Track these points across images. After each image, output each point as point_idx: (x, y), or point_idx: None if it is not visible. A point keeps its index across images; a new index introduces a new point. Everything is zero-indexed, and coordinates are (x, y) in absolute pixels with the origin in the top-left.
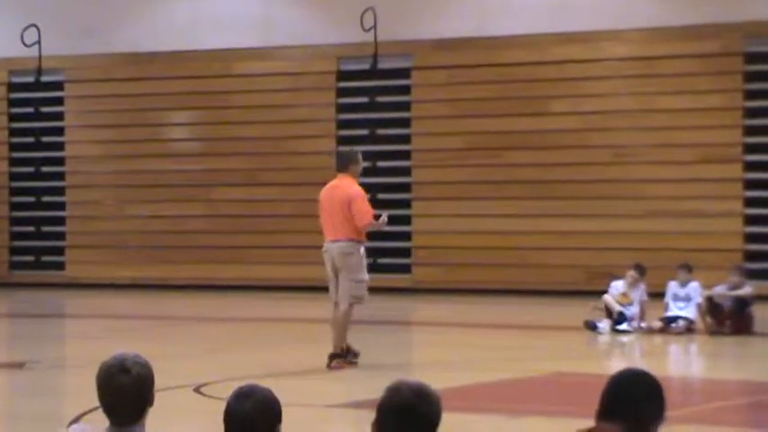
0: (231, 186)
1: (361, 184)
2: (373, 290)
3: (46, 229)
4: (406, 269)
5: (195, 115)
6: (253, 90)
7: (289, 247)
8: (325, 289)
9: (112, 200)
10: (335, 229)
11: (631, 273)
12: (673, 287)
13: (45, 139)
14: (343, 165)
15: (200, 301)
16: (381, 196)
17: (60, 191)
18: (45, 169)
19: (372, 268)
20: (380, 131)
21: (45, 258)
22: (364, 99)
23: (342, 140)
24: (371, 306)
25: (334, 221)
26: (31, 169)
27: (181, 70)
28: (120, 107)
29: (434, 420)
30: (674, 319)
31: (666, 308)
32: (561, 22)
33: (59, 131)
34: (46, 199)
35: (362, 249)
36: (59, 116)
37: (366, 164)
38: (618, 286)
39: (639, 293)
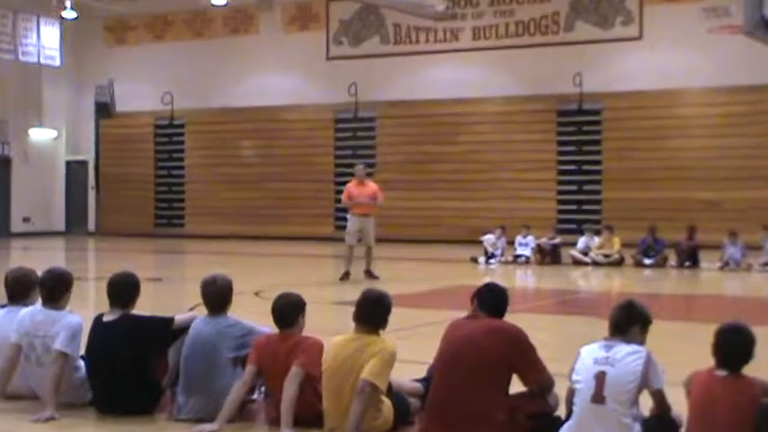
0: (276, 182)
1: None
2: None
3: (175, 204)
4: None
5: (256, 143)
6: (287, 129)
7: (307, 215)
8: (329, 239)
9: (211, 188)
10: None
11: (498, 231)
12: (518, 239)
13: (175, 155)
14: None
15: (259, 245)
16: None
17: (182, 184)
18: (174, 172)
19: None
20: (360, 152)
21: (174, 221)
22: (350, 134)
23: (337, 157)
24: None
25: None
26: (165, 172)
27: (250, 117)
28: (216, 138)
29: (389, 308)
30: (519, 256)
31: (515, 250)
32: (458, 91)
33: (182, 152)
34: (175, 188)
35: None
36: (182, 143)
37: (351, 170)
38: (490, 238)
39: (502, 243)
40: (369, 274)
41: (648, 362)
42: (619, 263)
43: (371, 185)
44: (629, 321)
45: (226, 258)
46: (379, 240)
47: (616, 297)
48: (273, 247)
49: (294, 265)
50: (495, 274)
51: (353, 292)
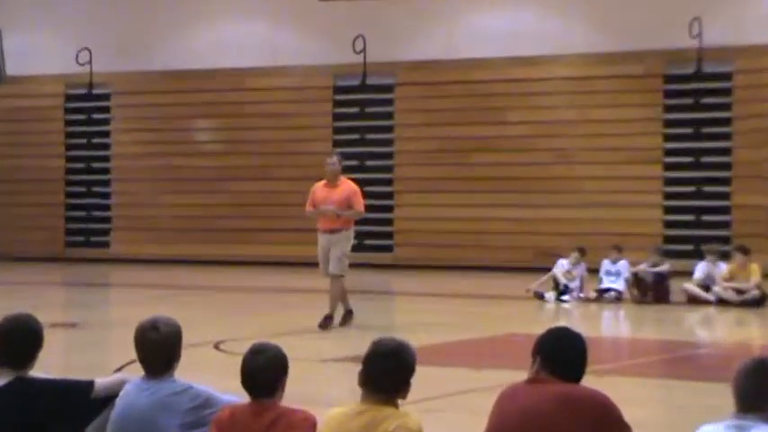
0: (245, 180)
1: (354, 180)
2: (361, 266)
3: (95, 213)
4: (389, 249)
5: (216, 122)
6: (263, 101)
7: (292, 230)
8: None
9: (149, 190)
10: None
11: (575, 254)
12: (606, 264)
13: (95, 140)
14: None
15: (219, 274)
16: (368, 189)
17: (107, 183)
18: (95, 165)
19: (361, 249)
20: (369, 136)
21: (93, 238)
22: (355, 109)
23: (336, 143)
24: (359, 279)
25: None
26: (82, 165)
27: (204, 85)
28: (155, 115)
29: (411, 367)
30: (607, 290)
31: (600, 281)
32: (515, 48)
33: (106, 135)
34: (95, 189)
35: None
36: (106, 122)
37: (356, 162)
38: (563, 264)
39: (580, 270)
40: (343, 318)
41: None
42: (758, 302)
43: (345, 187)
44: (765, 391)
45: (171, 294)
46: (396, 267)
47: (755, 354)
48: (241, 277)
49: (272, 304)
50: (569, 316)
51: (359, 344)
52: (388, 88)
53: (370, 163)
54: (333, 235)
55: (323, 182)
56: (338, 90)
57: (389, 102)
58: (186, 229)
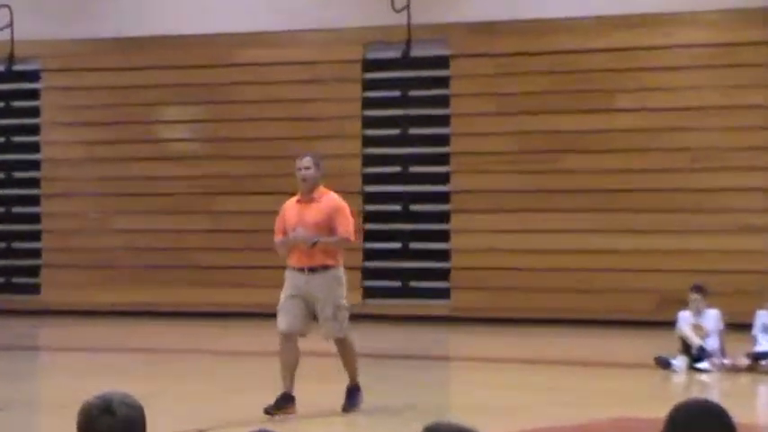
0: (236, 195)
1: (390, 194)
2: (407, 318)
3: (18, 245)
4: (443, 294)
5: (194, 112)
6: (262, 82)
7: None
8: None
9: (97, 211)
10: None
11: (694, 296)
12: (762, 317)
13: (17, 138)
14: None
15: (197, 330)
16: (414, 208)
17: (35, 200)
18: (17, 175)
19: (405, 292)
20: (414, 131)
21: (16, 280)
22: (395, 93)
23: (368, 142)
24: (404, 338)
25: None
26: (0, 175)
27: (177, 58)
28: (106, 101)
29: None
30: (765, 354)
31: (755, 341)
32: (625, 3)
33: (34, 130)
34: (18, 210)
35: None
36: (34, 112)
37: (395, 168)
38: (686, 316)
39: (713, 322)
40: (344, 405)
41: None
42: None
43: (326, 202)
44: None
45: (129, 360)
46: (455, 320)
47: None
48: (227, 335)
49: (271, 374)
50: (707, 392)
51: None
52: (440, 62)
53: (416, 170)
54: (313, 276)
55: (295, 197)
56: (370, 65)
57: (442, 81)
58: (148, 266)
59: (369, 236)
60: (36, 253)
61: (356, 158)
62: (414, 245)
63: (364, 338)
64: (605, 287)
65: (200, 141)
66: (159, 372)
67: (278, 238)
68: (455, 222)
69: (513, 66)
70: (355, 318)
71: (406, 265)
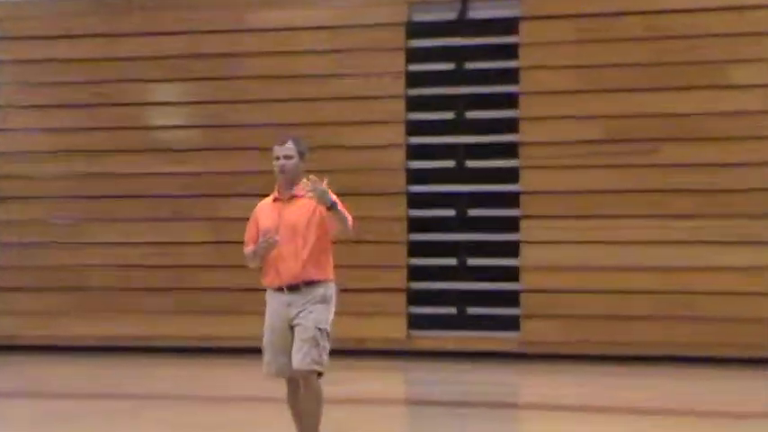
0: (244, 198)
1: (442, 196)
2: (464, 355)
3: None
4: (511, 324)
5: (191, 91)
6: (278, 52)
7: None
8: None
9: (64, 218)
10: None
11: None
12: None
13: None
14: None
15: (192, 370)
16: (473, 213)
17: None
18: None
19: (462, 322)
20: (472, 114)
21: None
22: (448, 65)
23: (414, 129)
24: (460, 380)
25: None
26: None
27: (168, 23)
28: (76, 78)
29: None
30: None
31: None
32: None
33: None
34: None
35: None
36: None
37: (449, 163)
38: None
39: None
40: None
41: None
42: None
43: (311, 201)
44: None
45: (98, 409)
46: (526, 358)
47: None
48: (229, 374)
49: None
50: None
51: None
52: (505, 26)
53: (475, 164)
54: (295, 296)
55: (271, 197)
56: (416, 30)
57: (509, 50)
58: (131, 288)
59: (415, 249)
60: None
61: (399, 150)
62: (473, 261)
63: (410, 381)
64: (717, 314)
65: (199, 129)
66: (135, 424)
67: (249, 249)
68: (526, 232)
69: (600, 30)
70: (399, 355)
71: (462, 287)
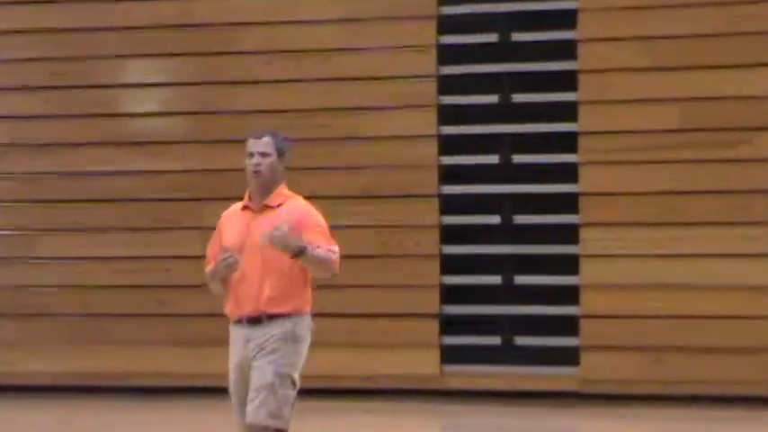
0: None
1: (483, 198)
2: (511, 395)
3: None
4: (569, 356)
5: (175, 68)
6: (277, 22)
7: (347, 315)
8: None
9: (18, 227)
10: None
11: None
12: None
13: None
14: None
15: (174, 414)
16: (521, 220)
17: None
18: None
19: (509, 355)
20: (520, 97)
21: None
22: (489, 37)
23: (448, 115)
24: (507, 425)
25: None
26: None
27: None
28: (36, 53)
29: None
30: None
31: None
32: None
33: None
34: None
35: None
36: None
37: (491, 158)
38: None
39: None
40: None
41: None
42: None
43: (292, 211)
44: None
45: None
46: (587, 399)
47: None
48: (225, 420)
49: None
50: None
51: None
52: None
53: (523, 159)
54: (255, 330)
55: (241, 203)
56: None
57: (564, 18)
58: (100, 314)
59: (449, 265)
60: None
61: (429, 142)
62: (520, 278)
63: (444, 428)
64: None
65: (184, 116)
66: None
67: (209, 269)
68: (586, 243)
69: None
70: (429, 395)
71: (508, 311)
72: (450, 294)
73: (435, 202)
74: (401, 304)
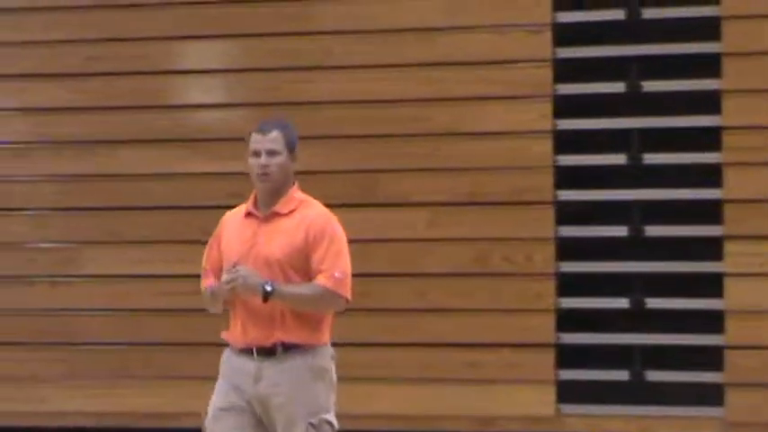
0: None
1: (608, 206)
2: None
3: None
4: (711, 395)
5: (234, 53)
6: (352, 2)
7: (463, 344)
8: None
9: (44, 239)
10: None
11: None
12: None
13: None
14: None
15: None
16: (654, 232)
17: None
18: None
19: (640, 393)
20: (651, 86)
21: None
22: (615, 14)
23: (565, 107)
24: None
25: None
26: None
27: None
28: (70, 34)
29: None
30: None
31: None
32: None
33: None
34: None
35: None
36: None
37: (618, 158)
38: None
39: None
40: None
41: None
42: None
43: (305, 218)
44: None
45: None
46: None
47: None
48: None
49: None
50: None
51: None
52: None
53: (656, 160)
54: (268, 365)
55: (243, 207)
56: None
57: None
58: (137, 343)
59: (567, 286)
60: None
61: (543, 138)
62: (653, 302)
63: None
64: None
65: (246, 108)
66: None
67: (206, 283)
68: (732, 259)
69: None
70: None
71: (638, 341)
72: (568, 321)
73: (550, 211)
74: (508, 333)
